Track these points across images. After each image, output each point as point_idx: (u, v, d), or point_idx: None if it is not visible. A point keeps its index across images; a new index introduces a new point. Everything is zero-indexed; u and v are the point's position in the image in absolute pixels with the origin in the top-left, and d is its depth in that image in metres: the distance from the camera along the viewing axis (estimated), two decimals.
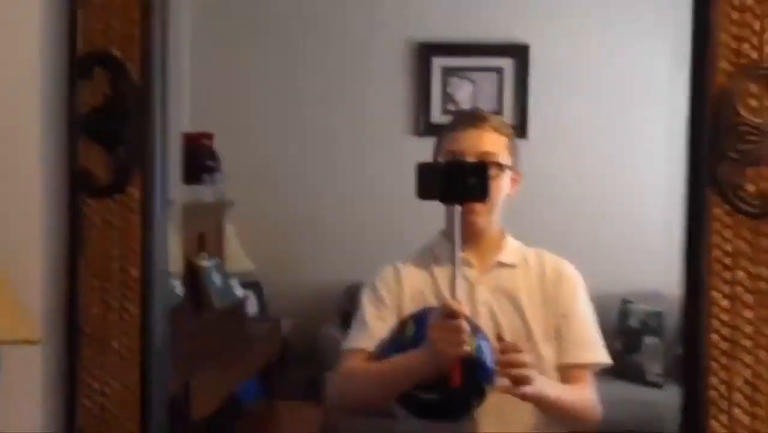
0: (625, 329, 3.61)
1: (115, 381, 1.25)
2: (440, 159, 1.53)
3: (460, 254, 1.32)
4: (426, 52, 3.82)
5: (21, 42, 1.24)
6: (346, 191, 4.04)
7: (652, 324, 3.56)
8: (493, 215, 1.53)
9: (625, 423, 3.35)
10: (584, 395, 1.50)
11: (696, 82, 1.15)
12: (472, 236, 1.48)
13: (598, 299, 1.63)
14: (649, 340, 3.54)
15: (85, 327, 1.26)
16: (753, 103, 1.13)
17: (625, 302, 3.65)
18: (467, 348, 1.27)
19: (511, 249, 1.56)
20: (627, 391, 3.49)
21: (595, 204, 3.79)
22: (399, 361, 1.42)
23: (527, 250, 1.58)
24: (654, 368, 3.51)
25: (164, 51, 1.27)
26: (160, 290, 1.30)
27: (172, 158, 1.38)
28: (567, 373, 1.49)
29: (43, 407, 1.24)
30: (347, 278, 3.71)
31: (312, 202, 4.05)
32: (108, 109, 1.27)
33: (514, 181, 1.55)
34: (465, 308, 1.30)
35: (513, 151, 1.55)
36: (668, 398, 3.59)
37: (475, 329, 1.37)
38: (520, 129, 3.60)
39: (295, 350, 3.70)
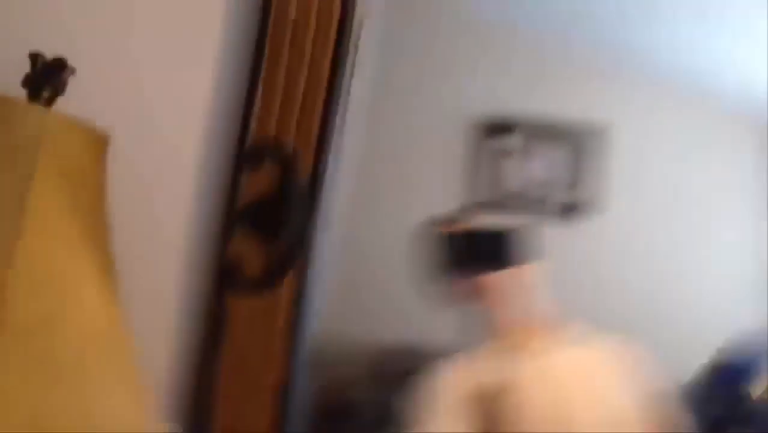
0: None
1: None
2: None
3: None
4: (489, 131, 3.54)
5: (186, 125, 1.09)
6: (392, 253, 3.81)
7: None
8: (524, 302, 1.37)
9: None
10: None
11: None
12: (510, 322, 1.35)
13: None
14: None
15: None
16: None
17: None
18: None
19: (568, 333, 1.42)
20: None
21: (663, 294, 3.54)
22: None
23: (583, 335, 1.42)
24: None
25: (338, 144, 1.13)
26: (299, 400, 1.14)
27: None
28: None
29: None
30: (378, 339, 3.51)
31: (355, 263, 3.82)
32: (269, 204, 1.12)
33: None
34: None
35: None
36: None
37: None
38: (595, 210, 3.35)
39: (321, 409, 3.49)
